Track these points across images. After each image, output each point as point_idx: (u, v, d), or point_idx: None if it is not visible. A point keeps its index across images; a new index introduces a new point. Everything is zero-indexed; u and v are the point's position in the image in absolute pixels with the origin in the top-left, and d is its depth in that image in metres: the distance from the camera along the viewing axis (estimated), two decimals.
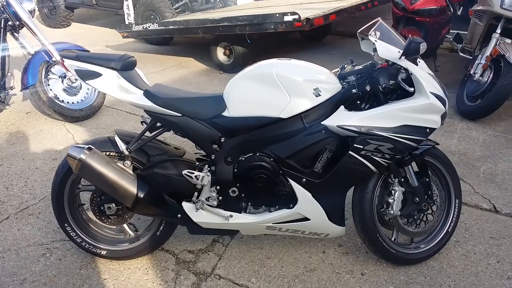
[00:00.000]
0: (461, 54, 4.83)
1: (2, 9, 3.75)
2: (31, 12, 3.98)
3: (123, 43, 7.29)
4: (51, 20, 8.92)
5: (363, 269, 2.28)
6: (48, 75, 3.99)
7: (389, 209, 2.14)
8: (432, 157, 2.22)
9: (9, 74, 4.04)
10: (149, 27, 6.02)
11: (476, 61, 4.08)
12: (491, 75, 3.97)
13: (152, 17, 6.95)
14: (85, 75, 2.05)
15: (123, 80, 2.04)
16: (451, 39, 5.09)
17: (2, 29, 3.78)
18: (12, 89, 4.02)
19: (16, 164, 3.39)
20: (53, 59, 3.82)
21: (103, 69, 2.04)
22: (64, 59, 2.11)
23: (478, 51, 4.39)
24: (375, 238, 2.16)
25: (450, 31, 5.29)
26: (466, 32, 4.91)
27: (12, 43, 3.91)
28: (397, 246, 2.24)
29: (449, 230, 2.31)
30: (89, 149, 1.99)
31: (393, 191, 2.14)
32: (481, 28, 4.35)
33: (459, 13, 5.09)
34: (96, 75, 2.04)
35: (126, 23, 7.23)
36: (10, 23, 3.80)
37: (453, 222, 2.31)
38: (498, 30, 3.93)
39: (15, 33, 3.89)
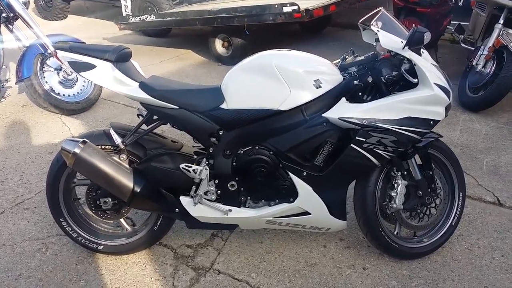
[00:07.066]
0: (463, 45, 4.78)
1: None
2: (25, 4, 3.92)
3: (120, 35, 7.21)
4: (47, 12, 8.81)
5: (365, 264, 2.25)
6: (44, 67, 3.92)
7: (392, 202, 2.09)
8: (436, 149, 2.18)
9: (4, 66, 3.99)
10: (146, 19, 5.94)
11: (479, 52, 4.02)
12: (493, 66, 3.91)
13: (149, 8, 6.86)
14: (79, 67, 2.00)
15: (117, 71, 1.99)
16: (453, 30, 5.03)
17: None
18: (7, 82, 3.96)
19: (11, 157, 3.34)
20: (48, 51, 3.76)
21: (98, 61, 1.99)
22: (57, 50, 2.06)
23: (480, 42, 4.32)
24: (377, 232, 2.12)
25: (452, 22, 5.23)
26: (468, 23, 4.85)
27: (6, 35, 3.85)
28: (400, 240, 2.21)
29: (453, 223, 2.28)
30: (84, 142, 1.94)
31: (395, 185, 2.09)
32: (483, 18, 4.29)
33: (460, 3, 5.04)
34: (90, 66, 1.98)
35: (123, 15, 7.13)
36: (4, 15, 3.74)
37: (457, 215, 2.28)
38: (501, 21, 3.87)
39: (9, 25, 3.82)
